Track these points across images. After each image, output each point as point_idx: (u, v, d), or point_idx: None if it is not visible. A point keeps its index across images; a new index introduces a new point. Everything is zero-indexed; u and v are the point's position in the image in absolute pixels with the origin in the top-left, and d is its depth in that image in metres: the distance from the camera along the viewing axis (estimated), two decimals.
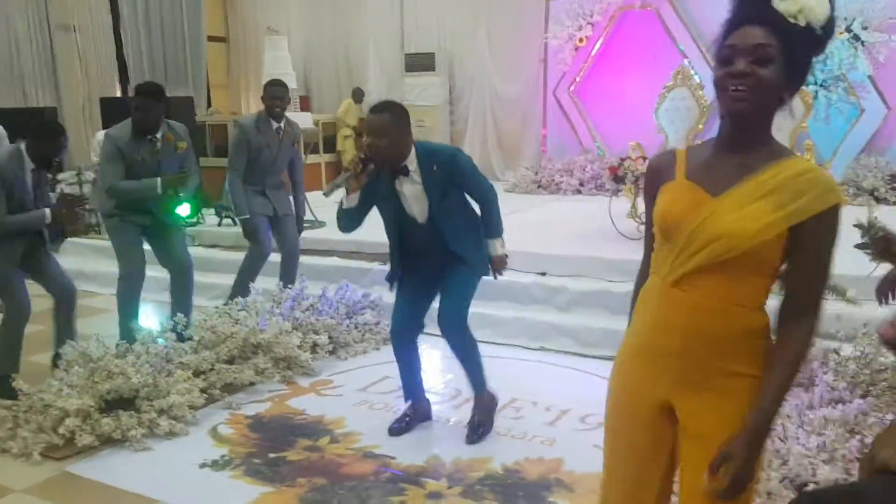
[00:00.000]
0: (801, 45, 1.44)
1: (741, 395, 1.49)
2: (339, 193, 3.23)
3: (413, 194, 3.27)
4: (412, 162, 3.23)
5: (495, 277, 3.54)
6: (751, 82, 1.40)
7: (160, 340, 4.05)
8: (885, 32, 7.51)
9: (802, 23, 1.41)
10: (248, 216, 5.01)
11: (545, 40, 9.58)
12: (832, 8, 1.45)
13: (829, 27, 1.45)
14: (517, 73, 10.33)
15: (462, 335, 3.43)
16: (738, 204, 1.44)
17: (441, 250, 3.35)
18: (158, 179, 4.35)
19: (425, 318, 3.58)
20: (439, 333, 3.43)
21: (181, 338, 4.21)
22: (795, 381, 1.50)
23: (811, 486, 2.50)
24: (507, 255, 3.48)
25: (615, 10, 9.00)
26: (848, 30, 7.62)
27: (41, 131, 4.09)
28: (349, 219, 3.31)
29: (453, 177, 3.27)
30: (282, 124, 5.15)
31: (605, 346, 4.52)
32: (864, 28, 7.59)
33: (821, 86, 7.88)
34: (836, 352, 3.56)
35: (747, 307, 1.50)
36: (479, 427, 3.48)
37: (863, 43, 7.63)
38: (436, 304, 3.48)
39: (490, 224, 3.42)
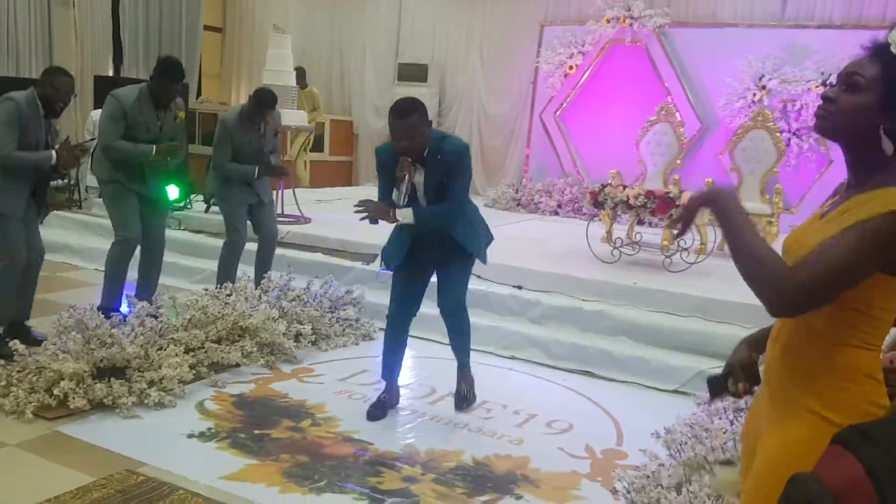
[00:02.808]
0: None
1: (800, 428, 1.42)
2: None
3: (420, 180, 3.55)
4: (426, 151, 3.52)
5: (484, 262, 3.83)
6: (832, 107, 1.47)
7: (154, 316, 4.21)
8: None
9: None
10: (254, 169, 5.13)
11: (536, 64, 9.88)
12: None
13: None
14: (506, 93, 10.62)
15: (462, 316, 3.80)
16: (819, 228, 1.46)
17: (440, 237, 3.61)
18: (154, 146, 4.55)
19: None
20: (418, 335, 3.71)
21: (154, 316, 4.33)
22: (744, 234, 1.44)
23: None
24: (400, 221, 3.58)
25: (606, 41, 9.34)
26: (824, 84, 8.03)
27: (51, 78, 4.23)
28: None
29: (450, 168, 3.53)
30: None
31: (571, 359, 4.78)
32: None
33: (794, 134, 8.28)
34: None
35: (826, 339, 1.44)
36: (466, 398, 3.83)
37: None
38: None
39: (426, 209, 3.57)
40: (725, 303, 4.83)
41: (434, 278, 3.84)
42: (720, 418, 3.31)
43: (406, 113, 3.40)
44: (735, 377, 1.69)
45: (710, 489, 2.68)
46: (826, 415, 1.37)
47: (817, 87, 8.06)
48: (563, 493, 3.16)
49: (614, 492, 3.10)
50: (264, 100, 5.12)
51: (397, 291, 3.77)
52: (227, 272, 5.21)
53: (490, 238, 3.85)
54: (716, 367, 4.40)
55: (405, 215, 3.52)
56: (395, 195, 3.48)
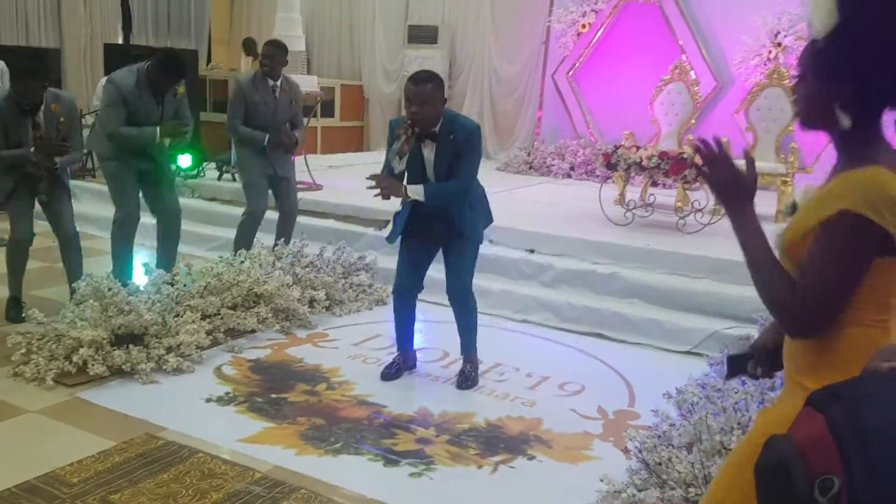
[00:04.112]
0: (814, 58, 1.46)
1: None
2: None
3: (430, 157, 3.56)
4: (438, 128, 3.51)
5: (479, 241, 3.81)
6: (796, 99, 1.53)
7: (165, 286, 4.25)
8: None
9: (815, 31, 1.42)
10: (265, 136, 5.12)
11: (548, 24, 9.74)
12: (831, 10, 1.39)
13: (832, 34, 1.40)
14: (517, 54, 10.48)
15: (468, 303, 3.79)
16: (805, 210, 1.47)
17: (443, 215, 3.62)
18: (158, 128, 4.54)
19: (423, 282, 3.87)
20: (431, 300, 3.72)
21: (171, 283, 4.39)
22: (753, 255, 1.48)
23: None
24: (408, 195, 3.57)
25: None
26: None
27: (23, 74, 4.25)
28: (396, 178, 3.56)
29: (461, 147, 3.53)
30: (279, 83, 5.25)
31: (584, 322, 4.80)
32: None
33: None
34: None
35: None
36: (469, 377, 3.82)
37: None
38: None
39: (436, 186, 3.58)
40: (738, 264, 4.73)
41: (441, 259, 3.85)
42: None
43: (423, 80, 3.47)
44: (757, 361, 1.69)
45: None
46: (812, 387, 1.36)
47: None
48: (576, 454, 3.20)
49: (626, 451, 3.13)
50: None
51: (403, 263, 3.81)
52: (244, 242, 5.24)
53: (489, 220, 3.86)
54: (728, 327, 4.42)
55: (416, 192, 3.54)
56: (389, 155, 3.47)
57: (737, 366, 1.74)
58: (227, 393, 3.60)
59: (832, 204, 1.36)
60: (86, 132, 8.06)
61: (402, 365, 3.92)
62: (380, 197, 3.54)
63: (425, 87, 3.44)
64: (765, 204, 6.21)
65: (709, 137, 1.54)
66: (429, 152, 3.55)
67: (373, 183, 3.49)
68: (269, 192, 5.40)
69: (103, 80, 8.15)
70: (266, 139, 5.14)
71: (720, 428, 2.85)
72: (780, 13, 8.21)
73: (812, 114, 1.48)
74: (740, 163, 1.53)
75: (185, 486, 2.75)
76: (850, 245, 1.36)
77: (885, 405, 0.75)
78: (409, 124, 3.43)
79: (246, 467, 2.90)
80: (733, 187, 1.50)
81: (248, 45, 10.62)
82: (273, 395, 3.60)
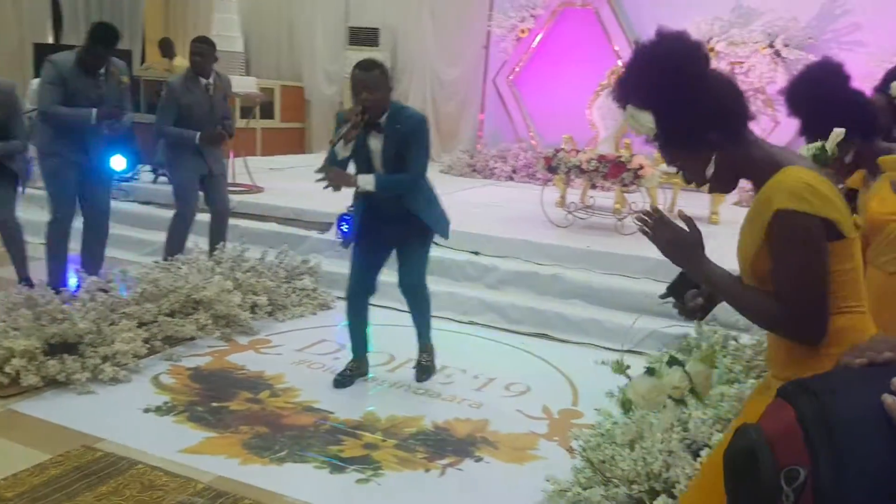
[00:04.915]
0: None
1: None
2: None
3: (377, 149, 3.53)
4: (384, 119, 3.49)
5: (446, 237, 3.84)
6: None
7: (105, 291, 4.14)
8: (805, 51, 8.07)
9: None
10: (195, 134, 5.00)
11: (488, 28, 9.82)
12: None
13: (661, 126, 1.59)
14: (459, 57, 10.53)
15: (423, 294, 3.81)
16: (744, 234, 1.59)
17: (398, 210, 3.59)
18: (94, 110, 4.44)
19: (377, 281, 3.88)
20: (376, 303, 3.72)
21: (104, 290, 4.28)
22: (728, 296, 1.58)
23: (706, 451, 2.86)
24: (359, 186, 3.56)
25: (557, 4, 9.30)
26: (770, 46, 8.16)
27: None
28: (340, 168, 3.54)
29: (408, 139, 3.52)
30: (210, 80, 5.16)
31: (528, 323, 4.85)
32: (786, 45, 8.14)
33: None
34: (735, 339, 3.97)
35: None
36: (427, 368, 3.86)
37: (783, 59, 8.19)
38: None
39: (386, 177, 3.55)
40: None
41: (394, 255, 3.84)
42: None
43: (371, 66, 3.47)
44: (700, 295, 1.75)
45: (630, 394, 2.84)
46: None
47: (764, 49, 8.19)
48: (522, 454, 3.23)
49: (571, 450, 3.17)
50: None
51: (356, 267, 3.78)
52: (175, 244, 5.12)
53: (447, 218, 3.85)
54: (667, 326, 4.51)
55: (366, 181, 3.52)
56: (335, 139, 3.43)
57: (678, 287, 1.77)
58: (166, 402, 3.52)
59: (766, 212, 1.46)
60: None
61: (355, 372, 3.88)
62: (330, 189, 3.50)
63: (374, 73, 3.44)
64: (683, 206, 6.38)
65: (646, 207, 1.68)
66: (375, 144, 3.53)
67: (322, 175, 3.45)
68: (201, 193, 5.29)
69: (33, 82, 7.90)
70: (197, 137, 5.04)
71: (662, 425, 2.91)
72: (712, 19, 8.46)
73: (719, 177, 1.58)
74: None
75: (125, 498, 2.67)
76: (800, 237, 1.43)
77: (853, 400, 0.78)
78: (360, 111, 3.40)
79: (187, 478, 2.83)
80: (680, 243, 1.59)
81: (165, 47, 10.25)
82: (214, 404, 3.52)
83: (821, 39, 8.11)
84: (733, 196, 7.12)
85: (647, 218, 1.62)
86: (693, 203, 6.36)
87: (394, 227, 3.65)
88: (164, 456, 3.00)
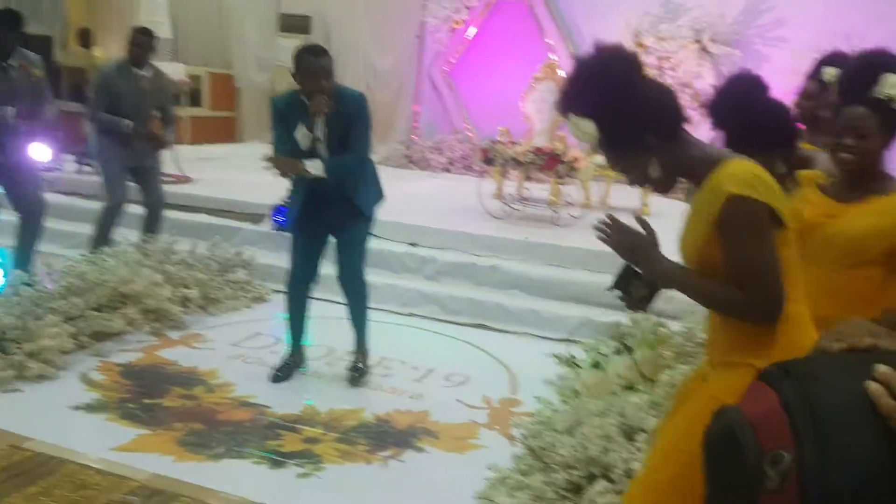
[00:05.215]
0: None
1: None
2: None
3: (322, 132, 3.46)
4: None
5: (370, 219, 3.78)
6: None
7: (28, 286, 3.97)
8: (731, 46, 8.33)
9: None
10: (129, 123, 4.86)
11: (423, 18, 9.78)
12: None
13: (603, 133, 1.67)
14: (393, 46, 10.44)
15: (361, 289, 3.74)
16: (688, 230, 1.66)
17: (339, 196, 3.54)
18: (9, 108, 4.27)
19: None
20: (313, 296, 3.66)
21: (29, 285, 4.11)
22: (688, 289, 1.64)
23: (641, 435, 2.93)
24: (308, 172, 3.48)
25: None
26: (697, 41, 8.38)
27: None
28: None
29: (351, 119, 3.47)
30: (146, 72, 5.03)
31: (467, 314, 4.87)
32: (713, 41, 8.38)
33: None
34: (665, 327, 4.07)
35: None
36: (363, 371, 3.78)
37: (710, 55, 8.43)
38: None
39: (336, 160, 3.49)
40: (607, 254, 4.99)
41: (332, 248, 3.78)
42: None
43: (321, 52, 3.41)
44: (646, 286, 1.81)
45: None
46: (760, 366, 1.45)
47: (692, 44, 8.41)
48: (463, 443, 3.25)
49: (511, 438, 3.21)
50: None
51: (297, 255, 3.71)
52: (102, 236, 4.95)
53: (380, 196, 3.79)
54: (600, 315, 4.60)
55: (315, 167, 3.44)
56: (300, 135, 3.37)
57: (623, 279, 1.83)
58: (96, 399, 3.39)
59: (715, 201, 1.52)
60: None
61: (293, 365, 3.81)
62: (279, 176, 3.45)
63: (326, 58, 3.39)
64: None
65: (602, 216, 1.75)
66: (320, 129, 3.46)
67: (270, 164, 3.39)
68: (131, 184, 5.13)
69: None
70: (130, 126, 4.87)
71: (599, 411, 2.97)
72: (642, 13, 8.64)
73: (664, 178, 1.65)
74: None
75: (56, 498, 2.57)
76: (753, 222, 1.51)
77: (836, 385, 0.80)
78: (325, 100, 3.33)
79: (121, 476, 2.74)
80: (636, 244, 1.68)
81: (84, 36, 9.83)
82: (146, 401, 3.42)
83: (746, 35, 8.37)
84: None
85: (604, 226, 1.71)
86: (624, 195, 6.50)
87: (334, 209, 3.58)
88: (95, 454, 2.89)
